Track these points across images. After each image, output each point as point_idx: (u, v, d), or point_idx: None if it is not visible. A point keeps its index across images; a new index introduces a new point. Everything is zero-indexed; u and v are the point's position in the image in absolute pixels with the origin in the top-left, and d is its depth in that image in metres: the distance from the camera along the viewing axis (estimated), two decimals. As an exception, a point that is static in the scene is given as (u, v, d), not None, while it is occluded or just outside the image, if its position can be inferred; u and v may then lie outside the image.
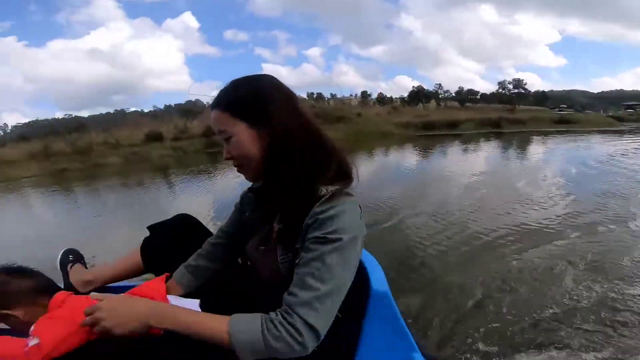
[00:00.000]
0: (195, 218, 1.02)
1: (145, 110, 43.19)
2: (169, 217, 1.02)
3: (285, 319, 0.59)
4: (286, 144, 0.68)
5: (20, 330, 0.87)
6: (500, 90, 39.83)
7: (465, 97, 42.68)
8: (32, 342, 0.73)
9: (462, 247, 2.87)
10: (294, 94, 0.74)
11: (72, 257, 1.06)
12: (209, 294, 0.82)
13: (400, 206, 4.27)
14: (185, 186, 7.72)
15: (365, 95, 45.29)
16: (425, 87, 42.74)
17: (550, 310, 1.86)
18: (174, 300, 0.77)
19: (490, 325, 1.76)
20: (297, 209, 0.67)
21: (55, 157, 14.87)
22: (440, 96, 42.07)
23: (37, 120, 41.78)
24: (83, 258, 1.09)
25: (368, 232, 0.70)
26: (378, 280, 0.81)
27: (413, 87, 43.36)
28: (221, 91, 0.73)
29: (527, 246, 2.78)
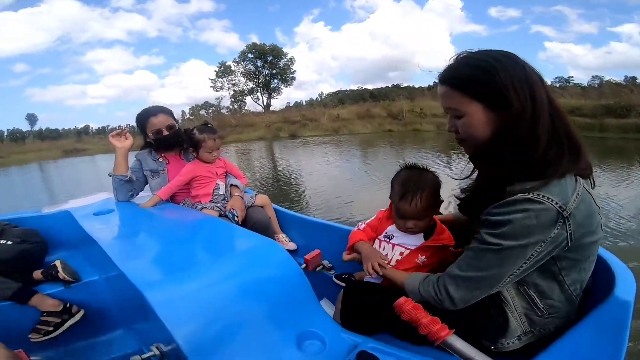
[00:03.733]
0: None
1: (416, 86, 45.20)
2: None
3: (437, 280, 0.80)
4: (516, 133, 0.70)
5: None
6: None
7: None
8: (421, 259, 1.01)
9: None
10: (535, 76, 0.72)
11: None
12: None
13: None
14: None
15: None
16: None
17: None
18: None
19: None
20: (482, 199, 0.75)
21: (376, 119, 17.34)
22: None
23: (340, 90, 53.07)
24: None
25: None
26: (625, 290, 0.75)
27: None
28: (452, 65, 0.76)
29: None
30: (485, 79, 0.71)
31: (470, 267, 0.74)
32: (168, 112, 1.75)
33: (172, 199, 1.76)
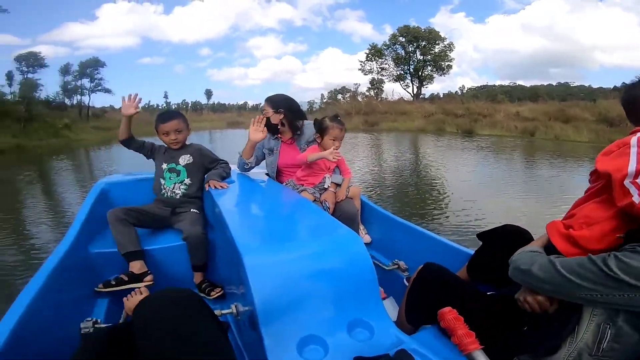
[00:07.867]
0: (523, 228, 1.13)
1: (594, 86, 39.73)
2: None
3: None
4: None
5: None
6: None
7: None
8: None
9: None
10: None
11: None
12: None
13: None
14: None
15: None
16: None
17: None
18: None
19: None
20: None
21: (580, 123, 12.84)
22: None
23: (486, 85, 45.29)
24: None
25: None
26: None
27: None
28: None
29: None
30: None
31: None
32: (268, 102, 1.96)
33: (277, 178, 2.01)
